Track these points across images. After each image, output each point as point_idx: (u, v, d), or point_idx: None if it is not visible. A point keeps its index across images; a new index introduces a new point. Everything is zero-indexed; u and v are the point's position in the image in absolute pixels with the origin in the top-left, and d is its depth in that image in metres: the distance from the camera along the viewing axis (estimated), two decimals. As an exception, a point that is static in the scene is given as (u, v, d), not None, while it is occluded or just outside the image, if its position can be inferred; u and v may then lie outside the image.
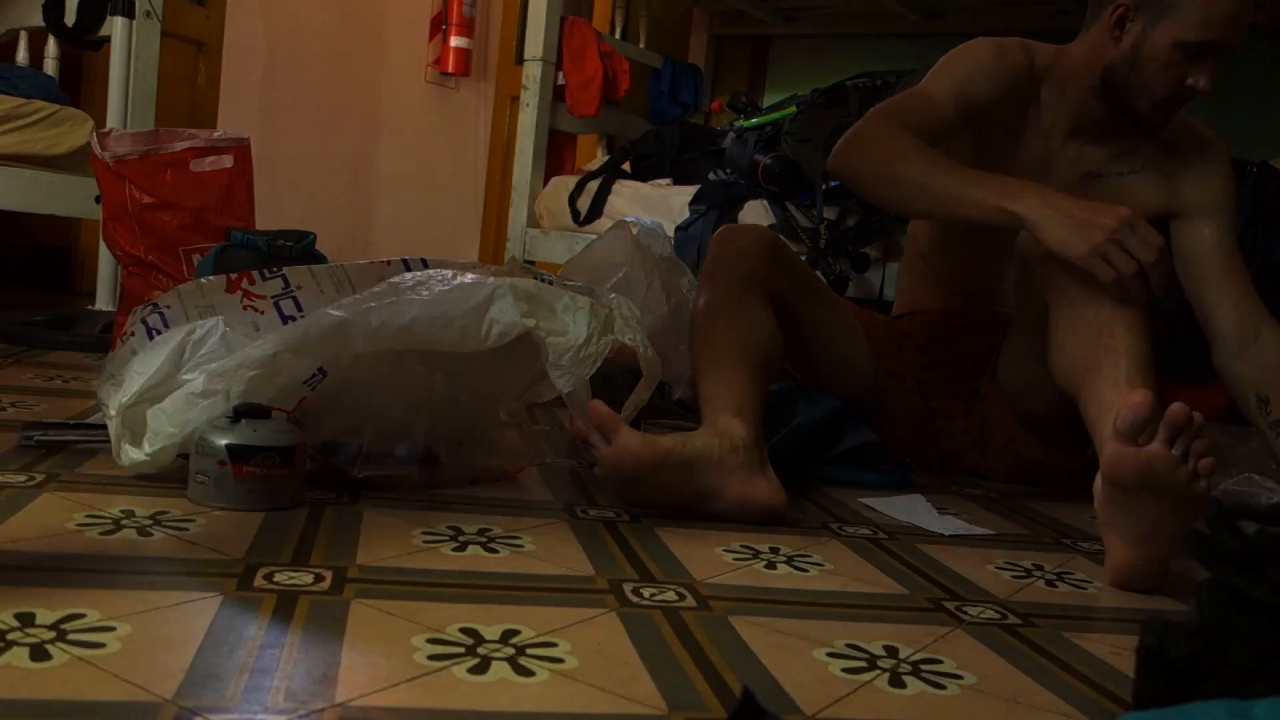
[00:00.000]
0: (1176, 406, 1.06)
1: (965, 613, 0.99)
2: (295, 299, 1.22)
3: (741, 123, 2.54)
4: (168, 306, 1.22)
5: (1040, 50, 1.61)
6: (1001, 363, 1.64)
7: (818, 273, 2.20)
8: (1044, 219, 1.30)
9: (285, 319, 1.20)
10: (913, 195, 1.44)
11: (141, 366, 1.12)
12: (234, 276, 1.23)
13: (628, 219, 2.13)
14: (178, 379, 1.11)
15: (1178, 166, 1.61)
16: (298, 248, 1.59)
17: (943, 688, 0.80)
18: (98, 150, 1.85)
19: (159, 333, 1.19)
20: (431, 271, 1.23)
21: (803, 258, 2.23)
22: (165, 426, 1.08)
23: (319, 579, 0.88)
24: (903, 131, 1.46)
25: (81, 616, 0.74)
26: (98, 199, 1.99)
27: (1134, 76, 1.49)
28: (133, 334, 1.20)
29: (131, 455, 1.10)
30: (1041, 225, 1.30)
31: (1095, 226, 1.27)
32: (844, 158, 1.51)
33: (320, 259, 2.25)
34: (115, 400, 1.11)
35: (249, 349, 1.10)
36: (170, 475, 1.13)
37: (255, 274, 1.24)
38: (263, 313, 1.21)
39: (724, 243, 1.52)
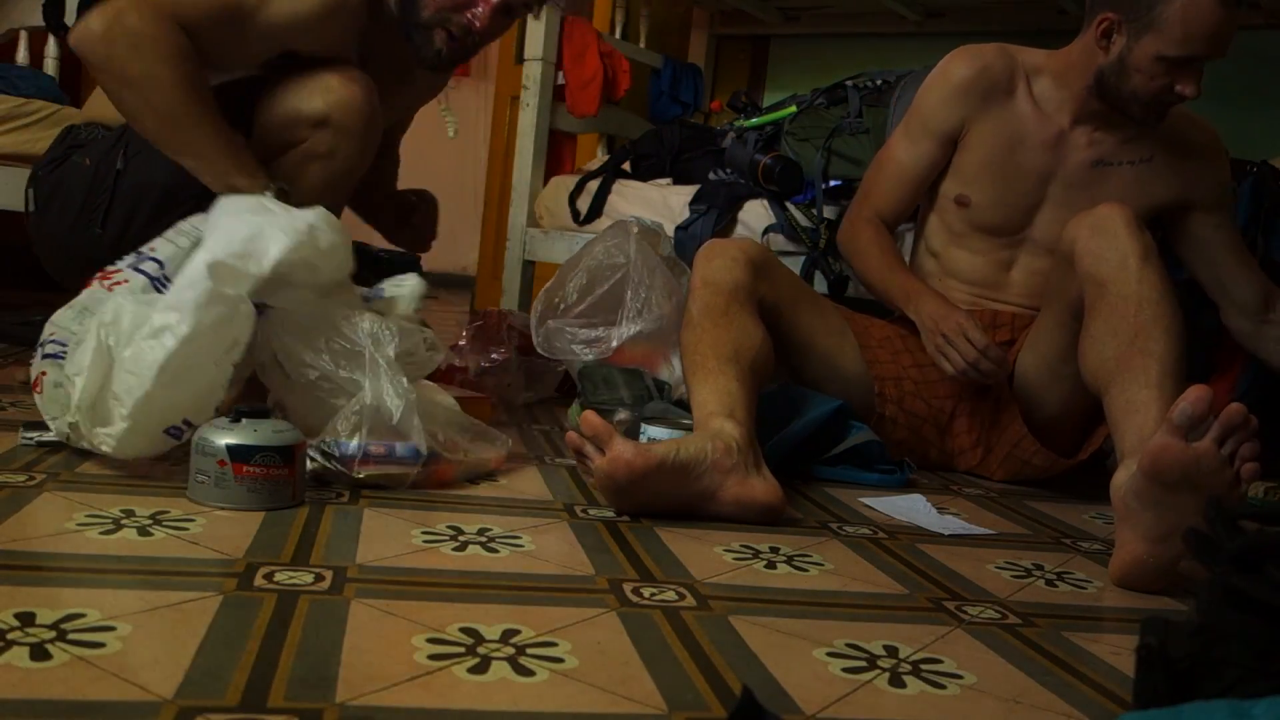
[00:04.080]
0: (1235, 407, 1.06)
1: (965, 612, 0.99)
2: (154, 258, 1.22)
3: (741, 123, 2.54)
4: (51, 335, 1.20)
5: (1026, 51, 1.72)
6: (1022, 355, 1.64)
7: (817, 273, 2.20)
8: (920, 320, 1.65)
9: (153, 279, 1.20)
10: (863, 277, 1.83)
11: (73, 369, 1.11)
12: (87, 279, 1.24)
13: (628, 219, 2.13)
14: (115, 358, 1.10)
15: (1186, 159, 1.70)
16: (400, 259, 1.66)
17: (943, 687, 0.80)
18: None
19: (63, 356, 1.17)
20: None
21: (802, 258, 2.23)
22: (129, 381, 1.07)
23: (319, 579, 0.88)
24: (865, 227, 1.79)
25: (81, 616, 0.74)
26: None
27: (1122, 84, 1.58)
28: (44, 373, 1.18)
29: (108, 434, 1.09)
30: (921, 324, 1.65)
31: (935, 331, 1.60)
32: (840, 244, 1.90)
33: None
34: (69, 405, 1.10)
35: (184, 270, 1.11)
36: (170, 475, 1.13)
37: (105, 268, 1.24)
38: (126, 281, 1.20)
39: (707, 258, 1.54)
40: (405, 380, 1.21)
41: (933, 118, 1.73)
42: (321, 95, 1.38)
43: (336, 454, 1.18)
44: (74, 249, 1.52)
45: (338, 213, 1.49)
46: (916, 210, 1.87)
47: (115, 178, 1.45)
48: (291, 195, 1.28)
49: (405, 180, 1.87)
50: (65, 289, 1.63)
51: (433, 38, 1.47)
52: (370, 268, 1.63)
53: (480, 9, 1.45)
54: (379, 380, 1.20)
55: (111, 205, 1.46)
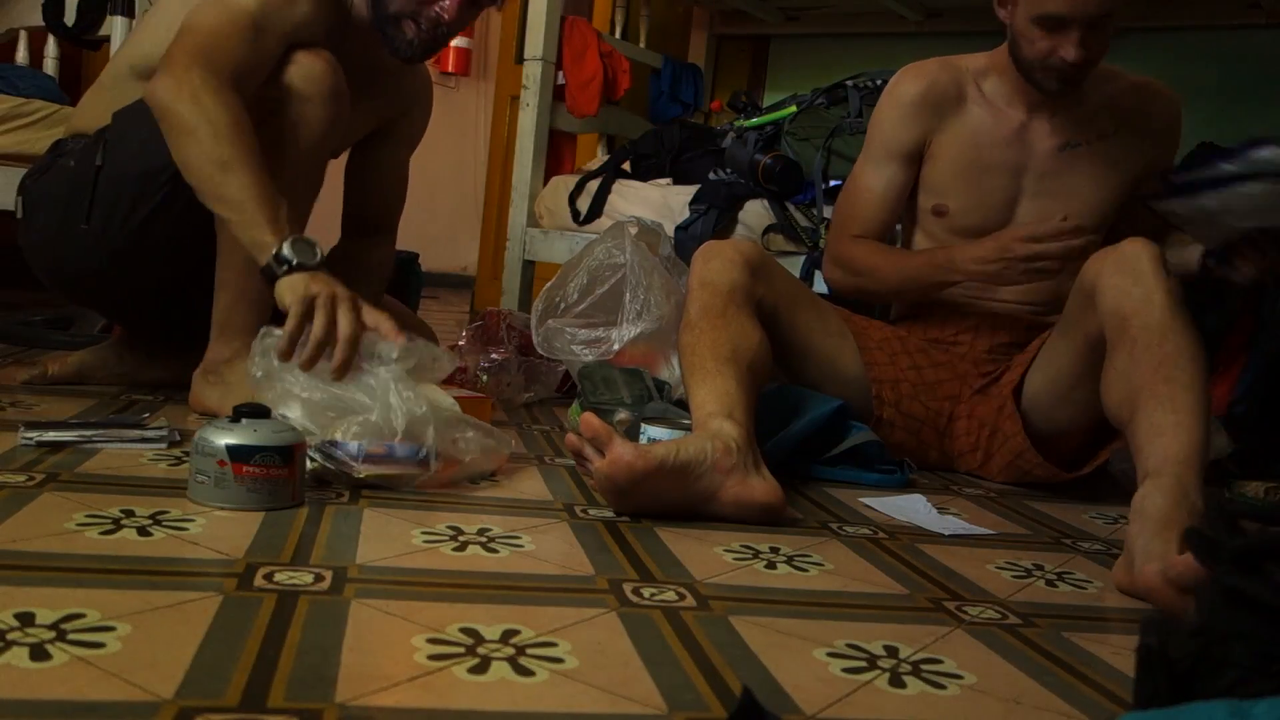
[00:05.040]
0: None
1: (965, 613, 0.99)
2: None
3: (741, 122, 2.54)
4: None
5: (968, 58, 1.76)
6: (1031, 374, 1.63)
7: (817, 273, 2.20)
8: (969, 272, 1.62)
9: None
10: (883, 287, 1.78)
11: None
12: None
13: (627, 219, 2.13)
14: None
15: (1150, 128, 1.72)
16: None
17: (943, 688, 0.80)
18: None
19: None
20: None
21: (802, 258, 2.24)
22: None
23: (319, 579, 0.88)
24: (853, 246, 1.77)
25: (81, 616, 0.74)
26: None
27: (1018, 53, 1.63)
28: None
29: None
30: (971, 274, 1.62)
31: (995, 261, 1.57)
32: (826, 273, 1.85)
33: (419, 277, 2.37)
34: None
35: None
36: (170, 475, 1.13)
37: None
38: None
39: (705, 259, 1.54)
40: (411, 392, 1.21)
41: (893, 139, 1.75)
42: (285, 68, 1.43)
43: (337, 454, 1.18)
44: (62, 249, 1.55)
45: (316, 188, 1.53)
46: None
47: (95, 173, 1.49)
48: (315, 247, 1.28)
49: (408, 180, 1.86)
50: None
51: (403, 29, 1.53)
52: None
53: (447, 2, 1.50)
54: (387, 395, 1.20)
55: (94, 200, 1.48)
